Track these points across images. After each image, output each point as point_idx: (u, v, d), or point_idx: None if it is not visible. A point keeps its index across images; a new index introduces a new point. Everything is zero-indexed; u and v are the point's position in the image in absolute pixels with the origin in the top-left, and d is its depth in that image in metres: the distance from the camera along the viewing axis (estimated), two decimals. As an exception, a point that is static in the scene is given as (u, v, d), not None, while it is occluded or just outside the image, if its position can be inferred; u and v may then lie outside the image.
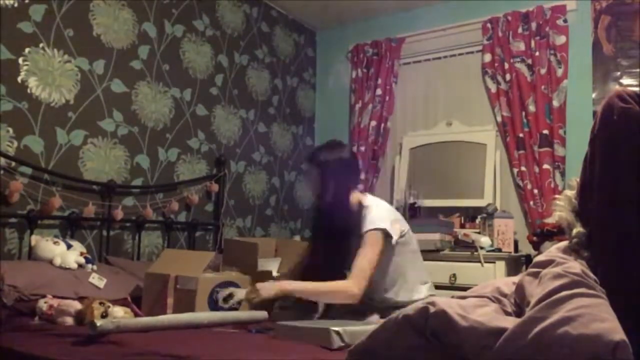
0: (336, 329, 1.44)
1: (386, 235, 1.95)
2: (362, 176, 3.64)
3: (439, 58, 3.79)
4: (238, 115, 3.60)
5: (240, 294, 2.00)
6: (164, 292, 2.01)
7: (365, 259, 1.91)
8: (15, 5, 2.38)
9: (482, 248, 2.96)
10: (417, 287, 2.06)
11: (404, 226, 2.07)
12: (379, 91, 3.83)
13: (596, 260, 1.02)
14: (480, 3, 3.59)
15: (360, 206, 2.05)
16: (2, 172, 2.29)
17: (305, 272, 2.08)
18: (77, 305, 1.86)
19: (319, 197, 2.10)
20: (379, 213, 2.01)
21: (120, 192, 2.80)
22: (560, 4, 3.30)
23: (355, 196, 2.08)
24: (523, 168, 3.27)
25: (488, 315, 1.00)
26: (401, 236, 2.01)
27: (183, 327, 1.74)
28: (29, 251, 2.30)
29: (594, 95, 3.20)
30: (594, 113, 2.56)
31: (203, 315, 1.87)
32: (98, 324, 1.54)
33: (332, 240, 2.01)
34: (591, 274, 0.96)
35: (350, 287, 1.88)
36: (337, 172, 2.05)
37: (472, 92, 3.62)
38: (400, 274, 2.03)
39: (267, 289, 1.92)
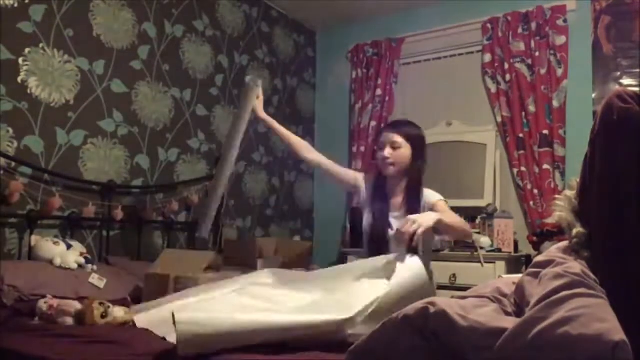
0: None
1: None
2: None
3: (439, 58, 3.80)
4: (238, 115, 3.59)
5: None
6: (164, 292, 2.00)
7: (452, 214, 2.03)
8: (15, 5, 2.38)
9: (482, 248, 2.96)
10: None
11: None
12: (379, 91, 3.83)
13: (596, 261, 1.02)
14: (480, 3, 3.59)
15: None
16: (2, 172, 2.29)
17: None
18: (77, 306, 1.85)
19: (406, 171, 2.15)
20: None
21: (120, 192, 2.80)
22: (560, 4, 3.30)
23: None
24: (523, 168, 3.28)
25: (488, 315, 1.00)
26: None
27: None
28: (29, 251, 2.30)
29: (594, 95, 3.20)
30: (594, 113, 2.57)
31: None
32: None
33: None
34: (591, 274, 0.96)
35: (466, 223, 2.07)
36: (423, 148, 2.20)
37: (472, 92, 3.62)
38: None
39: (427, 218, 1.81)
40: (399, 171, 2.13)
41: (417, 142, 2.15)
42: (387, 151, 2.11)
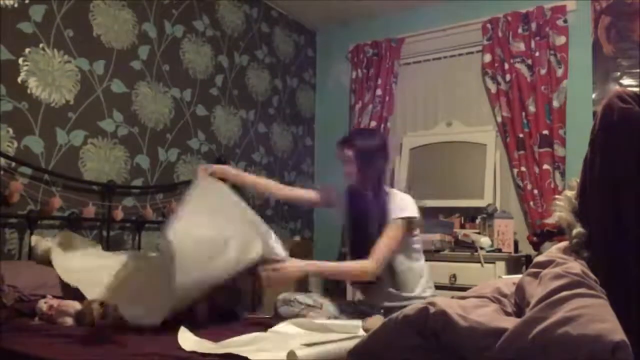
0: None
1: (409, 222, 2.09)
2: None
3: (439, 58, 3.80)
4: (238, 115, 3.60)
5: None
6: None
7: (385, 242, 2.03)
8: (15, 5, 2.38)
9: (482, 248, 2.96)
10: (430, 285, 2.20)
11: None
12: (379, 91, 3.83)
13: (596, 261, 1.02)
14: (480, 3, 3.59)
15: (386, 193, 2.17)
16: (2, 172, 2.29)
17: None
18: (77, 306, 1.85)
19: (359, 182, 2.17)
20: (406, 200, 2.13)
21: (120, 192, 2.80)
22: (560, 4, 3.30)
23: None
24: (523, 168, 3.27)
25: (488, 315, 1.00)
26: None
27: None
28: (29, 251, 2.30)
29: (594, 96, 3.20)
30: (594, 113, 2.56)
31: None
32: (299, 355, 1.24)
33: (368, 225, 2.12)
34: (591, 274, 0.96)
35: (366, 264, 2.00)
36: (376, 157, 2.17)
37: (472, 92, 3.62)
38: (421, 272, 2.17)
39: (293, 267, 1.95)
40: (357, 181, 2.17)
41: (363, 154, 2.14)
42: (345, 166, 2.18)
